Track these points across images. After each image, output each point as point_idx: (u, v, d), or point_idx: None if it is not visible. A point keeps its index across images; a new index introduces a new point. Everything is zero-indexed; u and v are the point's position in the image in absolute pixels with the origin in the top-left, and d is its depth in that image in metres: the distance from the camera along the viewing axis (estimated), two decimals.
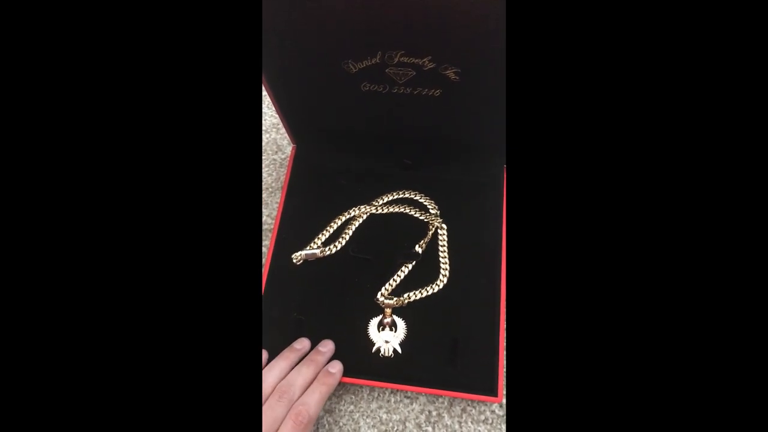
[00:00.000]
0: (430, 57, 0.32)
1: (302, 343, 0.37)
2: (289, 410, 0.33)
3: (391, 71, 0.34)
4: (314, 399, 0.33)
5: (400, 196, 0.44)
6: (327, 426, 0.37)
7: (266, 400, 0.33)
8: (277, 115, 0.49)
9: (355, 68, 0.34)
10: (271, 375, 0.35)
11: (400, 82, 0.35)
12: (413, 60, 0.32)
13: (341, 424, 0.37)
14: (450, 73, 0.33)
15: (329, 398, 0.38)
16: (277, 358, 0.36)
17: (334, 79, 0.35)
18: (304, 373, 0.35)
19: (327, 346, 0.37)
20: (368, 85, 0.35)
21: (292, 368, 0.36)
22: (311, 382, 0.35)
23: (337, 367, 0.36)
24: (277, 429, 0.32)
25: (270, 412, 0.32)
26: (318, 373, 0.35)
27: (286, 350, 0.37)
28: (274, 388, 0.34)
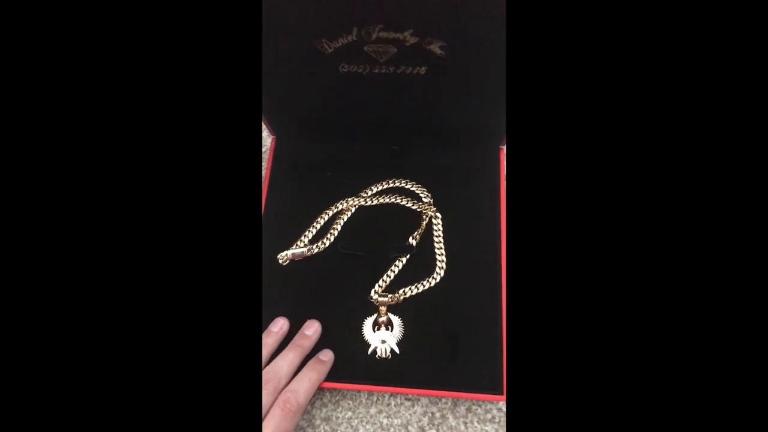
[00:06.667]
0: (411, 30, 0.29)
1: (278, 325, 0.35)
2: (275, 398, 0.31)
3: (371, 49, 0.30)
4: (304, 386, 0.32)
5: (390, 185, 0.41)
6: None
7: None
8: None
9: (331, 48, 0.31)
10: None
11: (381, 61, 0.32)
12: (393, 35, 0.29)
13: (339, 431, 0.35)
14: (435, 48, 0.30)
15: (326, 405, 0.36)
16: None
17: (308, 62, 0.32)
18: (290, 359, 0.33)
19: (312, 328, 0.35)
20: (346, 66, 0.32)
21: (272, 354, 0.34)
22: (297, 369, 0.33)
23: (328, 355, 0.34)
24: (263, 418, 0.30)
25: None
26: (303, 358, 0.34)
27: (263, 335, 0.35)
28: None
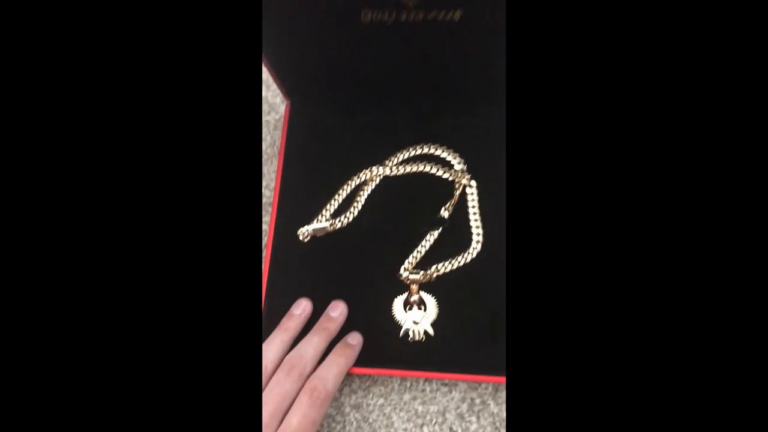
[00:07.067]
0: None
1: (301, 307, 0.32)
2: (301, 386, 0.29)
3: None
4: (332, 373, 0.29)
5: (419, 152, 0.37)
6: (355, 423, 0.33)
7: (268, 375, 0.29)
8: (265, 68, 0.42)
9: None
10: (270, 349, 0.30)
11: (410, 5, 0.27)
12: None
13: (371, 420, 0.33)
14: None
15: (355, 392, 0.33)
16: (275, 330, 0.31)
17: (326, 10, 0.28)
18: (316, 343, 0.30)
19: (338, 309, 0.32)
20: (369, 13, 0.28)
21: (294, 339, 0.31)
22: (323, 354, 0.31)
23: (356, 338, 0.32)
24: (289, 406, 0.28)
25: (278, 389, 0.28)
26: (329, 342, 0.31)
27: (284, 319, 0.32)
28: (277, 363, 0.29)
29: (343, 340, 0.32)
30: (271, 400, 0.27)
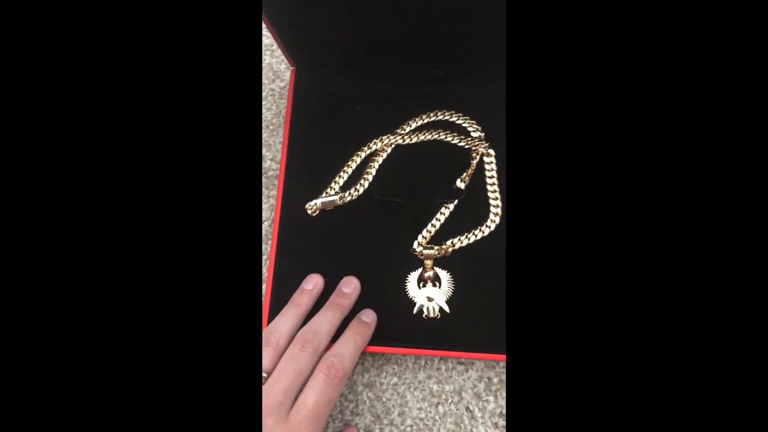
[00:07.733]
0: None
1: (312, 282, 0.31)
2: (315, 362, 0.27)
3: None
4: (349, 351, 0.28)
5: (433, 119, 0.35)
6: (368, 402, 0.32)
7: (281, 350, 0.28)
8: (269, 33, 0.40)
9: None
10: (282, 323, 0.29)
11: None
12: None
13: (384, 399, 0.32)
14: None
15: (368, 370, 0.32)
16: (287, 305, 0.30)
17: None
18: (330, 318, 0.29)
19: (351, 285, 0.31)
20: None
21: (307, 315, 0.30)
22: (336, 330, 0.29)
23: (371, 316, 0.31)
24: (303, 383, 0.27)
25: (292, 364, 0.27)
26: (343, 318, 0.30)
27: (295, 294, 0.31)
28: (290, 337, 0.28)
29: (357, 317, 0.30)
30: (285, 375, 0.26)
